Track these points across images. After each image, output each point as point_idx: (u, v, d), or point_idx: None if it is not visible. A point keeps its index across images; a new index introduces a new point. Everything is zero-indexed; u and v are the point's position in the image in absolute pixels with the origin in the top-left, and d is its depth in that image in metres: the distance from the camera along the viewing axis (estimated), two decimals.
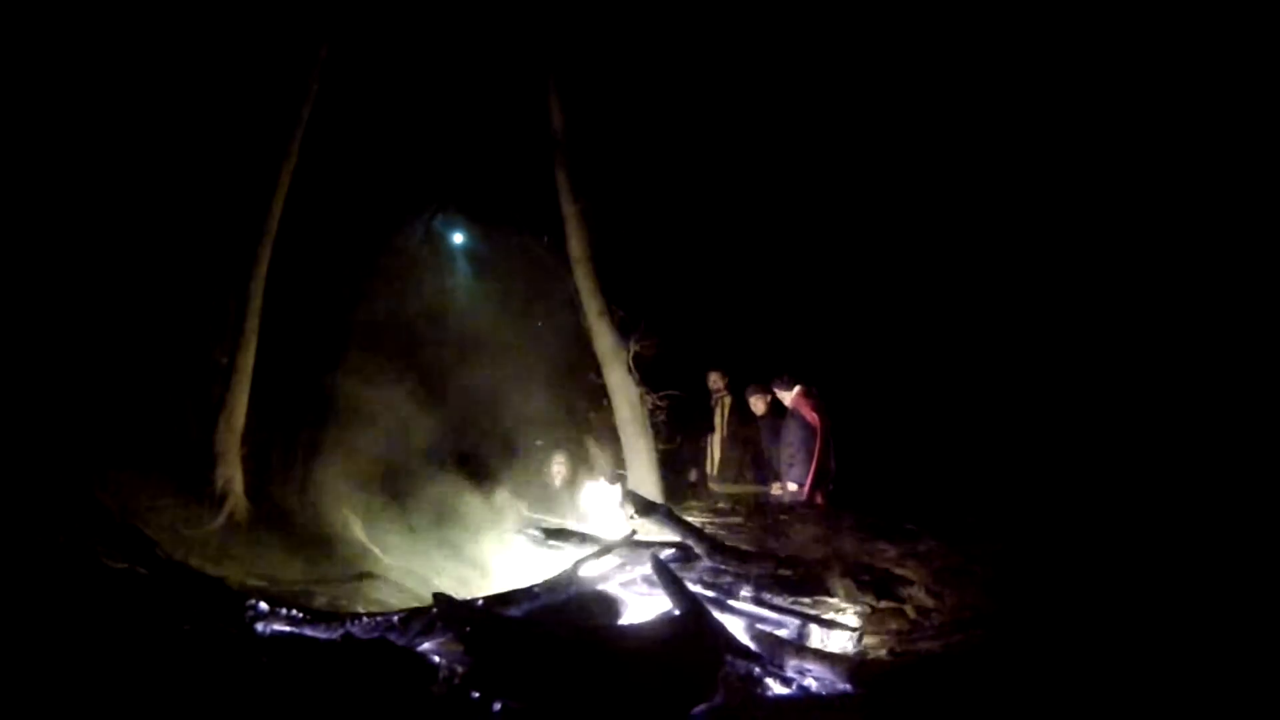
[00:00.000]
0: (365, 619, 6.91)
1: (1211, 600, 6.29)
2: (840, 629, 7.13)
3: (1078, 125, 13.03)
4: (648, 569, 7.61)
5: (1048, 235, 13.40)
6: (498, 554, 10.25)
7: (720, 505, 10.73)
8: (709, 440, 12.27)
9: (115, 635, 5.97)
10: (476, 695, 5.54)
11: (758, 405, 11.56)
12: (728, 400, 12.10)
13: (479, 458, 12.38)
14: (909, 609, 7.29)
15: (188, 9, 10.90)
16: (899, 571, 7.76)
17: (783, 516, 9.62)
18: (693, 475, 12.45)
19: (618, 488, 10.96)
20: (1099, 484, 9.94)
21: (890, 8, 13.59)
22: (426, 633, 6.47)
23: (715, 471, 12.09)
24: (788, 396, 10.95)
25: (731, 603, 7.44)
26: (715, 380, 12.24)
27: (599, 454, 12.21)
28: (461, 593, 7.90)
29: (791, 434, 10.74)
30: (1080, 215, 13.11)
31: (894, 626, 7.09)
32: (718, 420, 12.17)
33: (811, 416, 10.65)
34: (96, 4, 10.53)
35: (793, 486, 10.65)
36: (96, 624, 6.12)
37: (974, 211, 14.04)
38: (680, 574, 7.52)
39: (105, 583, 7.18)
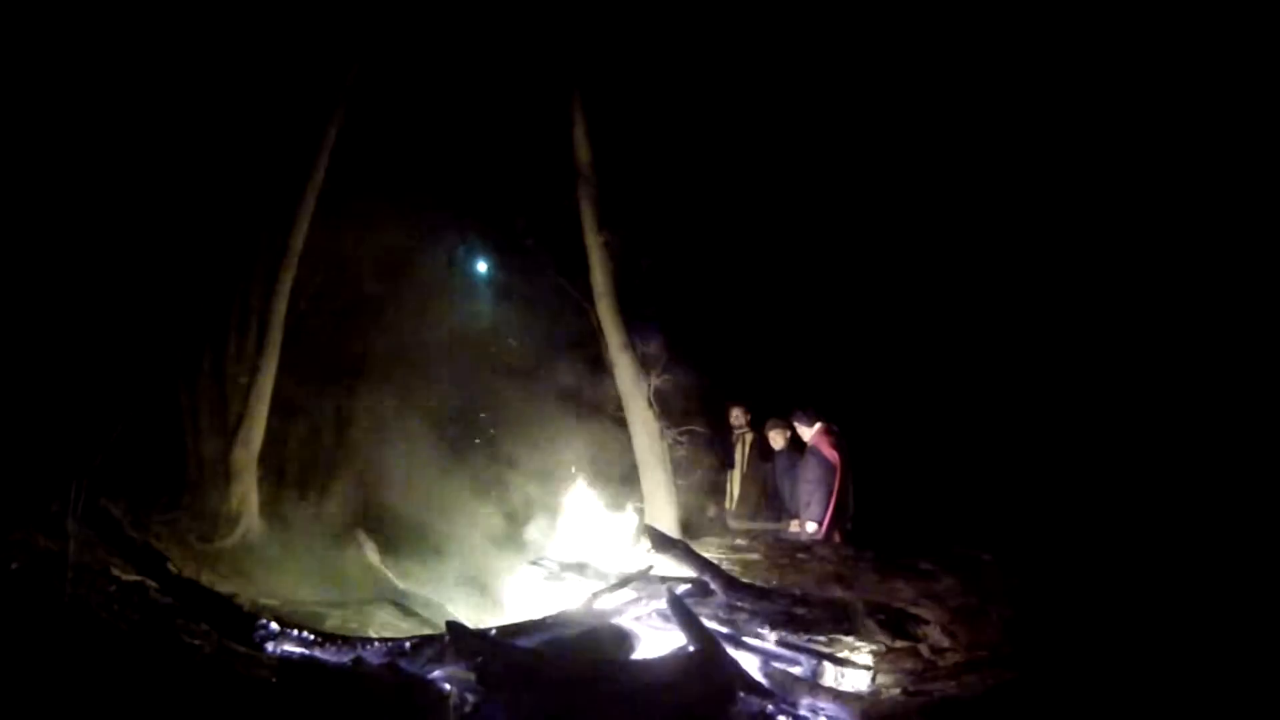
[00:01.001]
0: (376, 643, 6.89)
1: (1232, 641, 6.22)
2: (854, 668, 7.06)
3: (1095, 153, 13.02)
4: (663, 603, 7.56)
5: (1074, 270, 13.36)
6: (513, 584, 10.20)
7: (737, 542, 10.66)
8: (729, 476, 12.19)
9: (124, 645, 5.96)
10: None
11: (777, 440, 11.49)
12: (749, 436, 12.00)
13: (497, 486, 12.34)
14: (924, 648, 7.21)
15: (220, 35, 10.97)
16: (915, 610, 7.68)
17: (800, 554, 9.55)
18: (711, 511, 12.36)
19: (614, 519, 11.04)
20: (1118, 526, 9.86)
21: (912, 43, 13.61)
22: (438, 660, 6.44)
23: (734, 507, 12.00)
24: (808, 433, 10.87)
25: (746, 639, 7.38)
26: (738, 415, 12.15)
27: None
28: (475, 621, 7.85)
29: (810, 471, 10.66)
30: (1115, 267, 13.06)
31: (908, 666, 7.01)
32: (738, 456, 12.07)
33: (831, 454, 10.57)
34: (128, 26, 10.60)
35: (811, 526, 10.56)
36: (105, 635, 6.11)
37: (998, 250, 14.01)
38: (696, 609, 7.46)
39: (115, 594, 7.17)
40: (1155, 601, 7.22)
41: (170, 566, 7.72)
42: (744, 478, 11.97)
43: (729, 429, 12.30)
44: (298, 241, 11.27)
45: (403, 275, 14.20)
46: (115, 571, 7.67)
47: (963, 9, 12.87)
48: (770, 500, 11.84)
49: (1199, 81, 11.77)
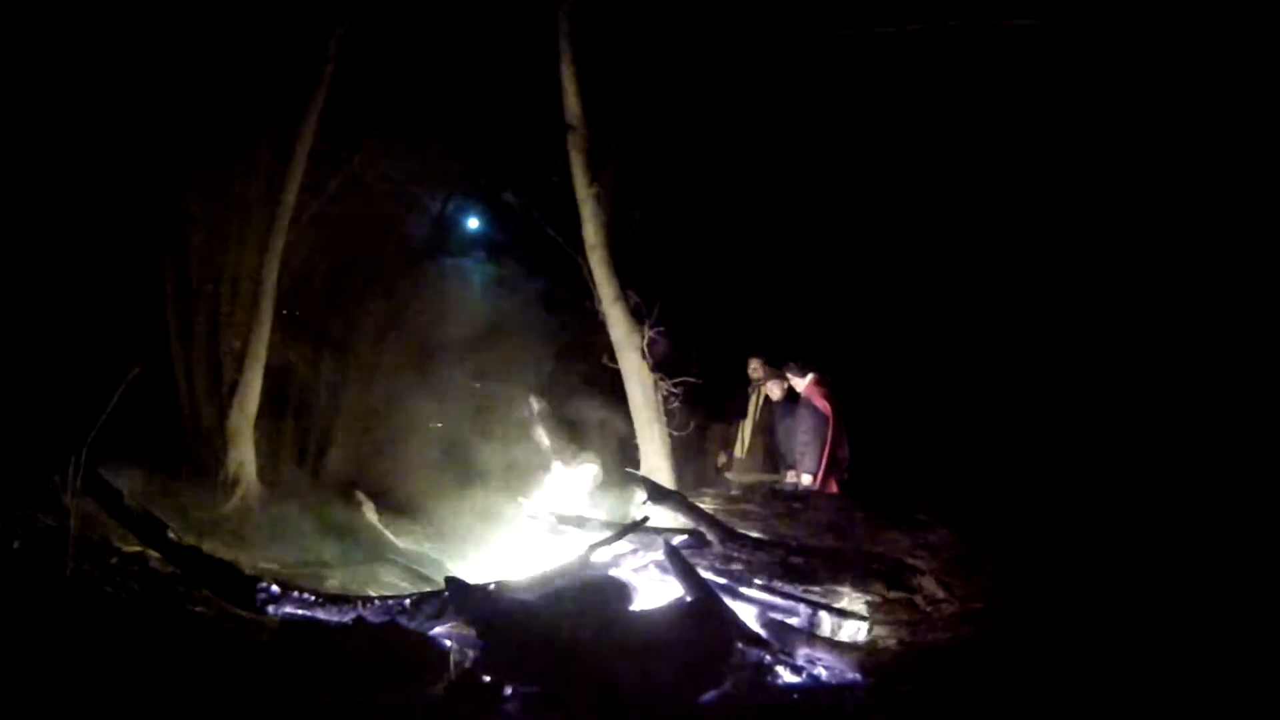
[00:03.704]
0: (377, 602, 6.95)
1: (1218, 592, 6.27)
2: (851, 618, 7.13)
3: (1081, 119, 12.92)
4: (660, 555, 7.61)
5: (1055, 226, 13.33)
6: (511, 538, 10.27)
7: (734, 493, 10.70)
8: (739, 425, 12.20)
9: (127, 616, 6.00)
10: (488, 679, 5.56)
11: (774, 390, 11.49)
12: (764, 388, 11.97)
13: (494, 441, 12.38)
14: (919, 599, 7.25)
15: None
16: (910, 561, 7.72)
17: (795, 505, 9.58)
18: (722, 459, 12.43)
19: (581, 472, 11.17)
20: (1109, 474, 9.91)
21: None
22: (438, 616, 6.51)
23: (744, 456, 12.01)
24: (800, 383, 10.90)
25: (743, 590, 7.44)
26: (756, 367, 12.07)
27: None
28: (474, 577, 7.91)
29: (803, 422, 10.69)
30: (1084, 201, 13.04)
31: (904, 617, 7.06)
32: (751, 406, 12.06)
33: (823, 405, 10.60)
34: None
35: (806, 478, 10.61)
36: (109, 605, 6.16)
37: (989, 199, 13.94)
38: (692, 561, 7.52)
39: (117, 566, 7.22)
40: (1146, 551, 7.27)
41: (170, 535, 7.73)
42: (755, 428, 11.97)
43: (733, 378, 12.32)
44: (288, 203, 11.22)
45: (394, 234, 14.19)
46: (116, 543, 7.73)
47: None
48: (771, 451, 11.86)
49: (1199, 81, 11.69)
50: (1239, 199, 11.63)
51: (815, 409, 10.66)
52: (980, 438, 12.26)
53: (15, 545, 6.88)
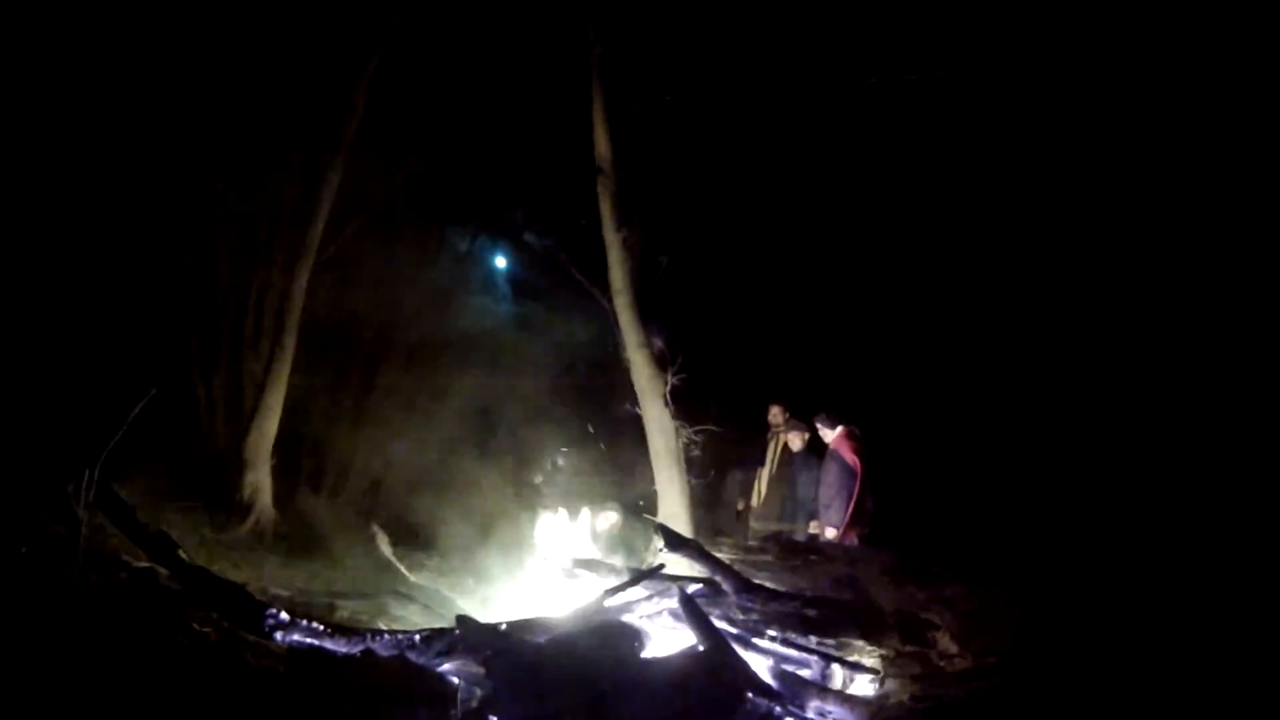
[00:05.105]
0: (386, 635, 6.88)
1: (1239, 645, 6.18)
2: (863, 671, 7.04)
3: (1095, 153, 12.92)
4: (674, 603, 7.54)
5: (1091, 275, 13.27)
6: (525, 579, 10.21)
7: (751, 542, 10.62)
8: (758, 474, 12.08)
9: (132, 630, 5.97)
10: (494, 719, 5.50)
11: (795, 441, 11.38)
12: (784, 435, 11.84)
13: (512, 482, 12.36)
14: (933, 654, 7.18)
15: (241, 31, 11.04)
16: (925, 615, 7.64)
17: (812, 556, 9.50)
18: (740, 505, 12.34)
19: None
20: (1129, 533, 9.80)
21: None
22: (447, 653, 6.44)
23: (759, 506, 11.89)
24: (829, 435, 10.78)
25: (756, 640, 7.36)
26: (776, 414, 11.94)
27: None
28: (485, 616, 7.85)
29: (831, 475, 10.56)
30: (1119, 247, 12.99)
31: (917, 671, 6.98)
32: (770, 454, 11.95)
33: (851, 459, 10.48)
34: (151, 24, 10.66)
35: (831, 531, 10.51)
36: (114, 622, 6.12)
37: (1022, 247, 13.89)
38: (707, 610, 7.45)
39: (125, 581, 7.20)
40: (1164, 609, 7.17)
41: (181, 554, 7.70)
42: (772, 478, 11.83)
43: (753, 426, 12.23)
44: (316, 234, 11.32)
45: (420, 269, 14.24)
46: (126, 558, 7.70)
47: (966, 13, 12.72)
48: (790, 501, 11.74)
49: (1199, 82, 11.68)
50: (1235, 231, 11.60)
51: (844, 462, 10.54)
52: (1003, 491, 12.14)
53: (23, 550, 6.86)
